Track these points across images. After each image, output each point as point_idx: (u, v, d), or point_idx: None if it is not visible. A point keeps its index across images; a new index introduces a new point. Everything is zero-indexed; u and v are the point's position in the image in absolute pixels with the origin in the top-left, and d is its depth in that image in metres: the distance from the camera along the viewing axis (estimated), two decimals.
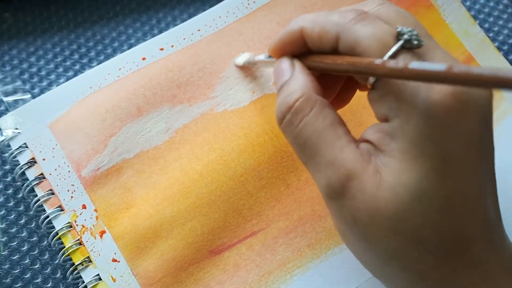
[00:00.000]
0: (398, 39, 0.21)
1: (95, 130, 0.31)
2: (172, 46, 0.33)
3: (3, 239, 0.31)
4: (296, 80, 0.24)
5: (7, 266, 0.30)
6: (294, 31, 0.24)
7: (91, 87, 0.32)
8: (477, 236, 0.21)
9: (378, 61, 0.20)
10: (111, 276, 0.29)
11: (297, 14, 0.34)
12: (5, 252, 0.30)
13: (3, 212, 0.31)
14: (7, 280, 0.30)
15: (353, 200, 0.21)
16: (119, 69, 0.32)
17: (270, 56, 0.27)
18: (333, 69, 0.23)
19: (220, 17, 0.34)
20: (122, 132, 0.31)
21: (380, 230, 0.20)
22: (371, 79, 0.21)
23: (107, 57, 0.36)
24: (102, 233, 0.29)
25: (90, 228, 0.29)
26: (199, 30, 0.33)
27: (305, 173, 0.31)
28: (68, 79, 0.35)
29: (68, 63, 0.35)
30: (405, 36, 0.21)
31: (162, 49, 0.33)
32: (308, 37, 0.24)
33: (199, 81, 0.32)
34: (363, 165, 0.21)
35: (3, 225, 0.31)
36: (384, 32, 0.21)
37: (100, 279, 0.29)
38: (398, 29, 0.21)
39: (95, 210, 0.30)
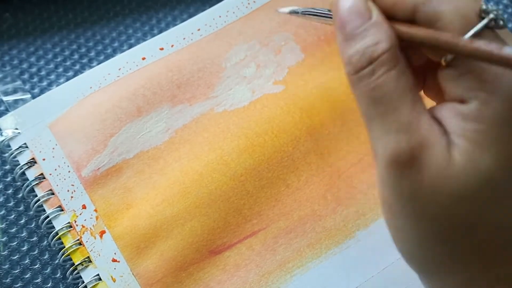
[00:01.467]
0: (481, 17, 0.19)
1: (95, 130, 0.31)
2: (172, 45, 0.33)
3: (3, 239, 0.30)
4: (380, 27, 0.21)
5: (7, 266, 0.30)
6: None
7: (91, 87, 0.32)
8: None
9: (464, 39, 0.19)
10: (111, 276, 0.29)
11: None
12: (5, 252, 0.30)
13: (3, 212, 0.31)
14: (7, 280, 0.30)
15: (420, 172, 0.19)
16: (119, 69, 0.32)
17: (329, 11, 0.24)
18: (408, 37, 0.21)
19: (220, 16, 0.34)
20: (122, 132, 0.31)
21: (439, 209, 0.19)
22: (449, 56, 0.20)
23: (107, 57, 0.36)
24: (102, 233, 0.29)
25: (90, 228, 0.29)
26: (199, 30, 0.33)
27: (305, 173, 0.31)
28: (68, 79, 0.35)
29: (68, 63, 0.35)
30: (491, 15, 0.19)
31: (162, 49, 0.33)
32: (381, 3, 0.21)
33: (199, 81, 0.32)
34: (437, 136, 0.19)
35: (3, 225, 0.31)
36: (469, 7, 0.20)
37: (100, 279, 0.29)
38: (483, 7, 0.19)
39: (95, 210, 0.30)
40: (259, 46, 0.33)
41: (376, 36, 0.21)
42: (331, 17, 0.23)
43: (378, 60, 0.20)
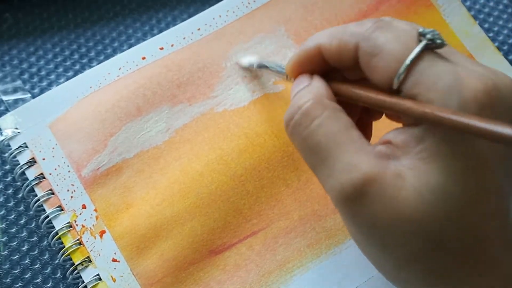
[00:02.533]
0: (419, 40, 0.21)
1: (95, 129, 0.31)
2: (172, 45, 0.33)
3: (3, 239, 0.30)
4: (310, 87, 0.23)
5: (7, 266, 0.30)
6: (311, 48, 0.24)
7: (91, 87, 0.32)
8: (496, 235, 0.20)
9: (387, 98, 0.20)
10: (111, 276, 0.29)
11: (298, 13, 0.34)
12: (5, 252, 0.30)
13: (3, 212, 0.31)
14: (7, 280, 0.30)
15: (372, 206, 0.20)
16: (119, 69, 0.32)
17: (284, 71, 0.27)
18: (363, 101, 0.22)
19: (220, 16, 0.34)
20: (122, 132, 0.31)
21: (400, 234, 0.20)
22: (396, 83, 0.21)
23: (107, 57, 0.36)
24: (102, 233, 0.29)
25: (90, 228, 0.29)
26: (199, 29, 0.33)
27: (305, 173, 0.31)
28: (68, 79, 0.35)
29: (68, 63, 0.35)
30: (428, 36, 0.20)
31: (162, 49, 0.33)
32: (327, 52, 0.23)
33: (199, 81, 0.32)
34: (381, 168, 0.20)
35: (3, 225, 0.31)
36: (405, 34, 0.21)
37: (100, 279, 0.29)
38: (420, 30, 0.21)
39: (95, 210, 0.30)
40: (259, 46, 0.33)
41: (302, 93, 0.23)
42: (283, 72, 0.27)
43: (302, 109, 0.22)
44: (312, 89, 0.23)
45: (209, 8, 0.34)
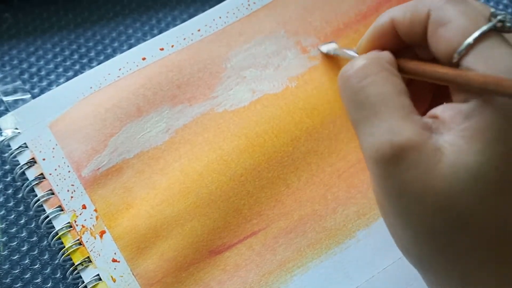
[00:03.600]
0: (489, 20, 0.20)
1: (95, 130, 0.31)
2: (172, 46, 0.33)
3: (3, 239, 0.30)
4: (374, 53, 0.23)
5: (7, 266, 0.30)
6: (385, 23, 0.24)
7: (91, 87, 0.32)
8: None
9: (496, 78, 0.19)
10: (111, 276, 0.29)
11: (298, 14, 0.34)
12: (5, 252, 0.30)
13: (3, 212, 0.31)
14: (7, 280, 0.30)
15: (406, 172, 0.20)
16: (119, 69, 0.32)
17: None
18: (427, 75, 0.22)
19: (220, 17, 0.34)
20: (122, 132, 0.31)
21: (428, 206, 0.20)
22: (456, 56, 0.20)
23: (107, 57, 0.36)
24: (102, 233, 0.29)
25: (90, 228, 0.29)
26: (199, 30, 0.33)
27: (305, 173, 0.31)
28: (68, 79, 0.35)
29: (68, 63, 0.35)
30: (499, 17, 0.20)
31: (162, 49, 0.33)
32: (399, 25, 0.23)
33: (199, 81, 0.32)
34: (424, 138, 0.20)
35: (3, 225, 0.31)
36: (477, 11, 0.21)
37: (100, 279, 0.29)
38: (492, 10, 0.21)
39: (95, 210, 0.30)
40: (259, 47, 0.33)
41: (364, 56, 0.23)
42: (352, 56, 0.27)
43: (359, 66, 0.22)
44: (375, 53, 0.23)
45: (209, 9, 0.34)
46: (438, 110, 0.21)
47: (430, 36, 0.22)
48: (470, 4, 0.21)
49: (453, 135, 0.20)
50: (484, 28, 0.20)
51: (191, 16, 0.36)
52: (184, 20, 0.36)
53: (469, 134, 0.20)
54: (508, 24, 0.20)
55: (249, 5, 0.34)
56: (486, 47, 0.20)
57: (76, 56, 0.36)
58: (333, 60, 0.33)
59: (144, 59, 0.33)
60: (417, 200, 0.20)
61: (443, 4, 0.22)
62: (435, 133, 0.20)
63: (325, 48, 0.33)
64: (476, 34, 0.20)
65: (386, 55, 0.23)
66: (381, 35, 0.25)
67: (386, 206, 0.22)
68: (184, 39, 0.33)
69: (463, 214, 0.19)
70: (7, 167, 0.32)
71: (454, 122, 0.20)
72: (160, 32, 0.36)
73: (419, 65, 0.23)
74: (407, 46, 0.24)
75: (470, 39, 0.20)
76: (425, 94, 0.26)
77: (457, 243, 0.20)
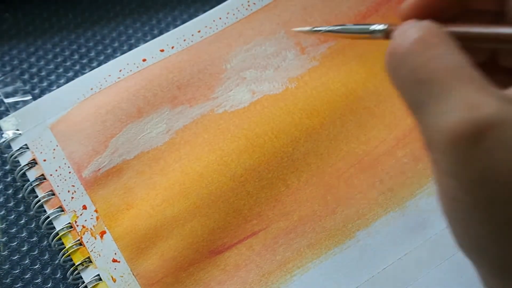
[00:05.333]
0: None
1: (96, 131, 0.31)
2: (172, 47, 0.33)
3: (3, 240, 0.31)
4: (421, 23, 0.20)
5: (7, 266, 0.30)
6: None
7: (91, 89, 0.32)
8: None
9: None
10: (111, 277, 0.29)
11: (297, 15, 0.34)
12: (5, 253, 0.30)
13: (3, 212, 0.31)
14: (7, 280, 0.30)
15: (492, 152, 0.17)
16: (120, 71, 0.32)
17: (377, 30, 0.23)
18: (489, 38, 0.19)
19: (220, 18, 0.34)
20: (122, 133, 0.31)
21: None
22: None
23: (107, 57, 0.36)
24: (103, 233, 0.29)
25: (91, 229, 0.29)
26: (199, 32, 0.34)
27: (305, 173, 0.31)
28: (68, 79, 0.35)
29: (68, 63, 0.35)
30: None
31: (162, 51, 0.33)
32: None
33: (199, 82, 0.32)
34: (509, 113, 0.17)
35: (3, 225, 0.31)
36: None
37: (100, 279, 0.29)
38: None
39: (96, 211, 0.30)
40: (259, 48, 0.33)
41: (417, 29, 0.19)
42: (367, 30, 0.23)
43: (419, 38, 0.19)
44: (424, 24, 0.19)
45: (210, 9, 0.34)
46: None
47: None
48: None
49: None
50: None
51: (191, 16, 0.36)
52: (184, 20, 0.36)
53: None
54: None
55: (249, 5, 0.34)
56: None
57: (76, 56, 0.36)
58: (333, 61, 0.33)
59: (144, 60, 0.33)
60: (505, 186, 0.17)
61: None
62: None
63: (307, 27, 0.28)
64: None
65: (437, 25, 0.19)
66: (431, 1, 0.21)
67: (461, 197, 0.18)
68: (184, 40, 0.33)
69: None
70: (8, 167, 0.32)
71: None
72: (160, 32, 0.36)
73: (476, 28, 0.19)
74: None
75: None
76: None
77: None
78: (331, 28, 0.25)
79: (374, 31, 0.22)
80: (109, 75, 0.32)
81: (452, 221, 0.19)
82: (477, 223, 0.18)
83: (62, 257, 0.29)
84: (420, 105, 0.19)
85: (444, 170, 0.18)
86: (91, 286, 0.29)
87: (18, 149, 0.31)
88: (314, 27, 0.26)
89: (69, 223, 0.30)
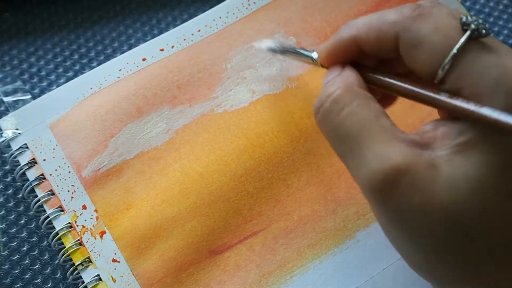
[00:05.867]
0: (464, 30, 0.20)
1: (96, 130, 0.31)
2: (172, 46, 0.33)
3: (3, 239, 0.31)
4: (340, 76, 0.23)
5: (7, 266, 0.30)
6: (346, 40, 0.23)
7: (91, 88, 0.32)
8: None
9: (453, 101, 0.19)
10: (111, 277, 0.29)
11: (298, 14, 0.34)
12: (5, 253, 0.30)
13: (3, 212, 0.31)
14: (7, 281, 0.30)
15: (403, 196, 0.19)
16: (119, 70, 0.32)
17: (314, 59, 0.26)
18: (400, 92, 0.22)
19: (220, 17, 0.34)
20: (122, 133, 0.31)
21: (432, 224, 0.19)
22: (440, 75, 0.20)
23: (107, 57, 0.36)
24: (102, 233, 0.29)
25: (90, 229, 0.29)
26: (199, 31, 0.34)
27: (305, 173, 0.31)
28: (68, 79, 0.35)
29: (68, 63, 0.35)
30: (472, 26, 0.20)
31: (162, 50, 0.33)
32: (363, 43, 0.23)
33: (199, 82, 0.32)
34: (414, 157, 0.19)
35: (3, 225, 0.31)
36: (447, 24, 0.20)
37: (100, 279, 0.29)
38: (463, 20, 0.20)
39: (96, 211, 0.30)
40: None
41: (334, 84, 0.22)
42: (310, 57, 0.26)
43: (332, 96, 0.22)
44: (342, 78, 0.22)
45: (210, 9, 0.34)
46: (428, 127, 0.21)
47: (405, 57, 0.22)
48: (437, 16, 0.21)
49: (447, 150, 0.20)
50: (462, 41, 0.20)
51: (191, 16, 0.36)
52: (184, 20, 0.36)
53: (465, 149, 0.19)
54: (484, 32, 0.20)
55: (249, 5, 0.34)
56: (468, 60, 0.20)
57: (76, 56, 0.36)
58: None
59: (144, 59, 0.33)
60: (419, 219, 0.19)
61: (411, 24, 0.21)
62: (426, 149, 0.20)
63: (264, 45, 0.30)
64: (455, 48, 0.20)
65: (353, 77, 0.23)
66: (342, 50, 0.24)
67: (390, 230, 0.21)
68: (184, 39, 0.33)
69: (470, 226, 0.19)
70: (8, 167, 0.32)
71: (447, 137, 0.20)
72: (160, 32, 0.36)
73: (389, 80, 0.22)
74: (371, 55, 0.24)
75: (451, 55, 0.20)
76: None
77: (470, 256, 0.20)
78: (281, 49, 0.29)
79: (316, 60, 0.25)
80: (109, 75, 0.32)
81: (395, 248, 0.22)
82: (409, 248, 0.21)
83: (62, 257, 0.29)
84: (343, 157, 0.22)
85: (374, 210, 0.21)
86: (91, 286, 0.29)
87: (18, 149, 0.31)
88: (270, 46, 0.29)
89: (69, 223, 0.30)
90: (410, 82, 0.21)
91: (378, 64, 0.25)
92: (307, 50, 0.26)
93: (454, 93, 0.20)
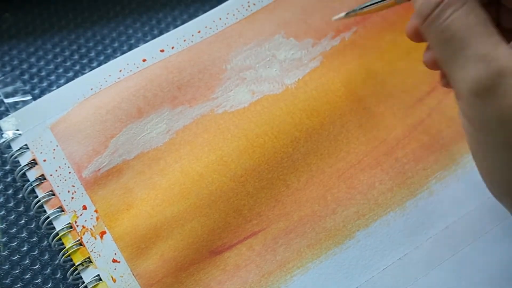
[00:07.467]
0: None
1: (96, 131, 0.31)
2: (172, 47, 0.33)
3: (3, 240, 0.31)
4: None
5: (7, 266, 0.30)
6: None
7: (91, 89, 0.32)
8: None
9: None
10: (111, 277, 0.29)
11: (297, 16, 0.34)
12: (5, 253, 0.30)
13: (3, 212, 0.31)
14: (7, 281, 0.30)
15: (504, 98, 0.19)
16: (120, 71, 0.33)
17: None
18: None
19: (220, 18, 0.34)
20: (122, 133, 0.31)
21: None
22: None
23: (107, 58, 0.36)
24: (103, 233, 0.29)
25: (91, 229, 0.30)
26: (199, 32, 0.34)
27: (305, 174, 0.31)
28: (68, 79, 0.35)
29: (68, 63, 0.35)
30: None
31: (162, 51, 0.33)
32: None
33: (199, 83, 0.32)
34: None
35: (3, 226, 0.31)
36: None
37: (100, 279, 0.29)
38: None
39: (96, 211, 0.30)
40: (259, 48, 0.33)
41: None
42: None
43: (444, 2, 0.21)
44: None
45: (210, 10, 0.34)
46: None
47: None
48: None
49: None
50: None
51: (191, 16, 0.36)
52: (184, 20, 0.36)
53: None
54: None
55: (249, 6, 0.34)
56: None
57: (76, 57, 0.36)
58: (333, 61, 0.33)
59: (144, 60, 0.33)
60: None
61: None
62: None
63: (342, 13, 0.30)
64: None
65: None
66: None
67: (483, 139, 0.21)
68: (184, 40, 0.33)
69: None
70: (8, 168, 0.32)
71: None
72: (160, 32, 0.36)
73: None
74: None
75: None
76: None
77: None
78: (361, 6, 0.29)
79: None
80: (109, 75, 0.32)
81: (478, 164, 0.22)
82: (498, 162, 0.21)
83: (62, 257, 0.29)
84: (447, 60, 0.21)
85: (469, 117, 0.21)
86: (91, 286, 0.29)
87: (18, 149, 0.31)
88: (347, 12, 0.29)
89: (69, 223, 0.30)
90: None
91: None
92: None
93: None
